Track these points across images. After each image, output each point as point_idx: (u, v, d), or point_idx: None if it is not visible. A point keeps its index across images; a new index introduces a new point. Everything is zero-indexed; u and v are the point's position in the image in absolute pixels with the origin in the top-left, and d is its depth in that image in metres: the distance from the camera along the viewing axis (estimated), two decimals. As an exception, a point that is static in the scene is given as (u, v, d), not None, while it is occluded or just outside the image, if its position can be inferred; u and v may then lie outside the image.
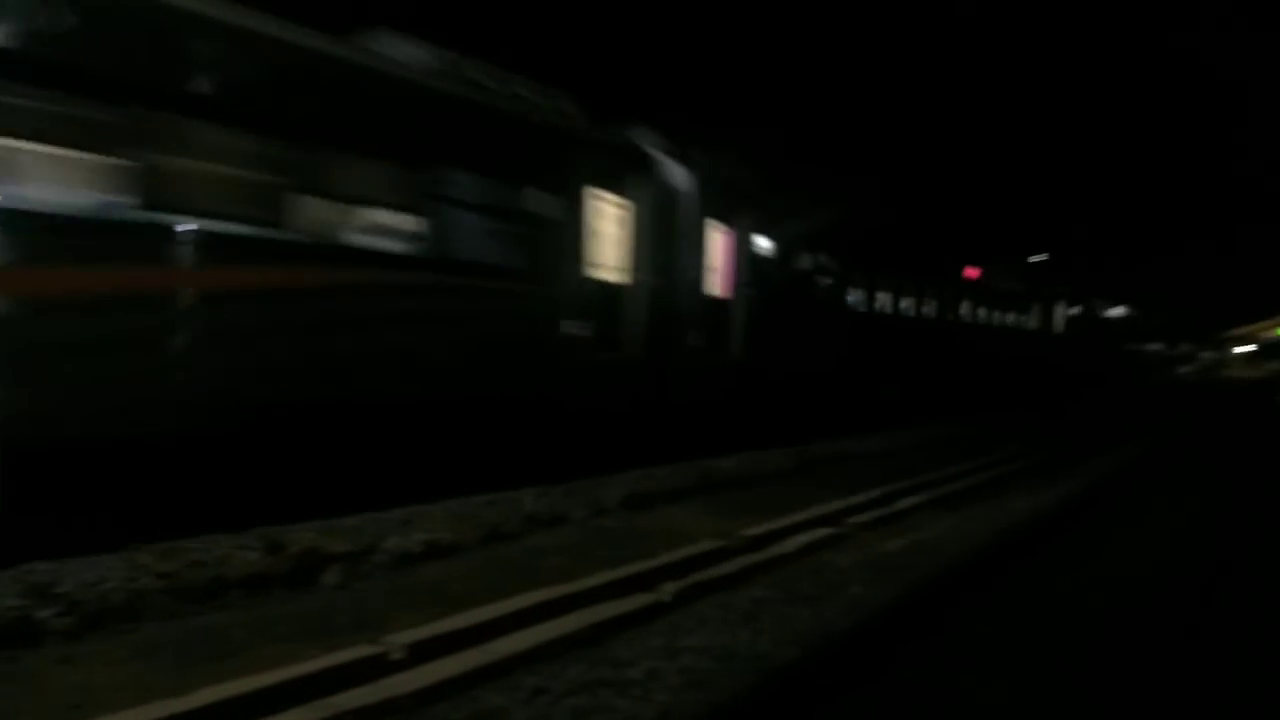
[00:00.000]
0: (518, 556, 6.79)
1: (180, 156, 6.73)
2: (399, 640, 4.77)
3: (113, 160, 6.29)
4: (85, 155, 6.18)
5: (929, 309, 20.93)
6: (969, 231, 32.36)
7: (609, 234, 10.69)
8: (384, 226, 8.22)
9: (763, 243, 13.54)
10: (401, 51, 8.94)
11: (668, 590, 6.08)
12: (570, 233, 10.06)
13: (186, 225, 6.61)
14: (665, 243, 11.37)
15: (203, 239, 6.68)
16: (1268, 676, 5.26)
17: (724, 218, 12.53)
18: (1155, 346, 70.24)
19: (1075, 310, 35.57)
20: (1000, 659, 5.37)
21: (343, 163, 7.90)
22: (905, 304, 19.67)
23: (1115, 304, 46.95)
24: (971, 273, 24.81)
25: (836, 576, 6.71)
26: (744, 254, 12.95)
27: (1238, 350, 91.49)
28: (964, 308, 23.75)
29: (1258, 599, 6.87)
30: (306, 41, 7.73)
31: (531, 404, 9.41)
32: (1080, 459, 13.50)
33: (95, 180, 6.23)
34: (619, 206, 10.88)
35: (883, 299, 18.52)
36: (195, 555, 5.97)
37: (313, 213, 7.58)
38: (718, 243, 12.53)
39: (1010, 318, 27.80)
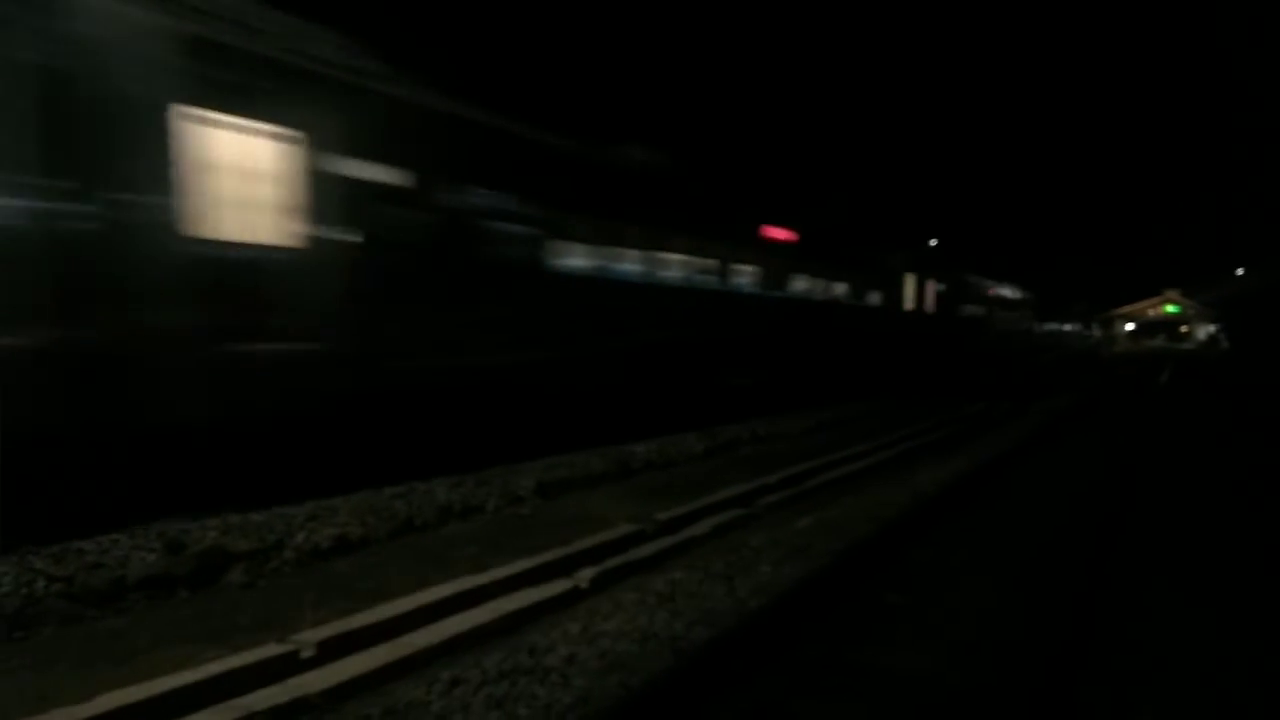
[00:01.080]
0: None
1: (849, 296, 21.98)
2: (309, 638, 4.70)
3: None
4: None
5: (980, 312, 37.08)
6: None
7: (906, 291, 25.58)
8: (872, 298, 23.51)
9: (932, 283, 29.00)
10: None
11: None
12: (899, 291, 25.12)
13: (854, 302, 22.37)
14: (918, 291, 26.52)
15: (862, 309, 22.96)
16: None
17: (928, 274, 27.85)
18: (1069, 327, 78.08)
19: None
20: (914, 628, 5.52)
21: (869, 283, 23.28)
22: (970, 309, 35.53)
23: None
24: (993, 290, 41.29)
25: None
26: (929, 289, 28.18)
27: (1125, 328, 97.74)
28: (998, 313, 40.26)
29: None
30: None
31: (884, 355, 23.70)
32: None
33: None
34: (908, 276, 25.60)
35: (966, 307, 34.45)
36: (91, 557, 5.79)
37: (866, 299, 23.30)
38: (930, 288, 27.98)
39: (1015, 315, 46.13)
